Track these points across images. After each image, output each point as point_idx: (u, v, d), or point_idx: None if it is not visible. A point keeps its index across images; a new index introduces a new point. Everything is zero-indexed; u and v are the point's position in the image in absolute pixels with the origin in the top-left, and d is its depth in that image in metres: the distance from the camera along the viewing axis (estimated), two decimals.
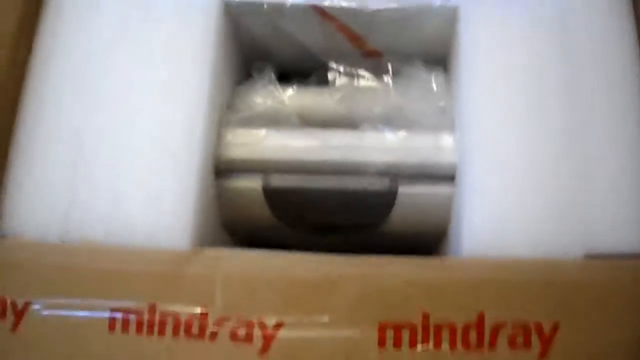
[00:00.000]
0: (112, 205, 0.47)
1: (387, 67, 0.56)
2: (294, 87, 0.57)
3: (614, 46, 0.52)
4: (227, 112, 0.55)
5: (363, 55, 0.59)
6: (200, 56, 0.51)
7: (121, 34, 0.52)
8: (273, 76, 0.57)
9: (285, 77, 0.60)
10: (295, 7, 0.54)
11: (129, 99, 0.50)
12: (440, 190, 0.54)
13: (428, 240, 0.60)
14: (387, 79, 0.56)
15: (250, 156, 0.53)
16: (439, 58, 0.60)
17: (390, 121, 0.55)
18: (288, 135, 0.53)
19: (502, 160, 0.48)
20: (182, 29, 0.52)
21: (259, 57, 0.60)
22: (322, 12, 0.54)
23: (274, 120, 0.55)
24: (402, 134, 0.53)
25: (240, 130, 0.54)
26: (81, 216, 0.47)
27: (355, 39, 0.57)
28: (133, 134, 0.49)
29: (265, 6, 0.54)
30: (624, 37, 0.53)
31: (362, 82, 0.56)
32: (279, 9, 0.54)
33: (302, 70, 0.60)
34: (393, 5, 0.53)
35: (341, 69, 0.56)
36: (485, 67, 0.51)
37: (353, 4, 0.53)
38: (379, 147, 0.53)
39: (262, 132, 0.53)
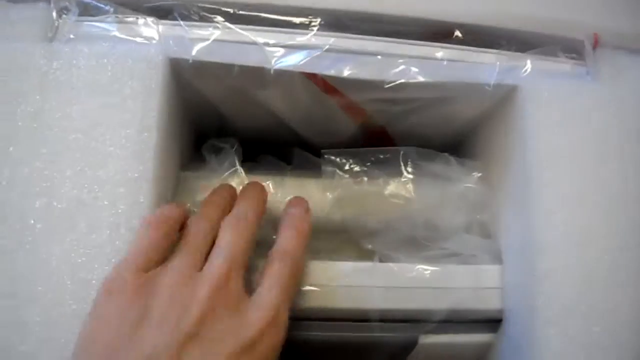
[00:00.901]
0: None
1: (400, 158, 0.39)
2: (269, 181, 0.39)
3: None
4: None
5: (367, 136, 0.42)
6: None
7: None
8: (236, 161, 0.39)
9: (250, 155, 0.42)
10: (282, 74, 0.35)
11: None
12: (474, 339, 0.38)
13: None
14: (406, 178, 0.38)
15: None
16: (456, 144, 0.44)
17: (408, 244, 0.38)
18: None
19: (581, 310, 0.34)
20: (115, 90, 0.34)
21: (215, 131, 0.42)
22: (323, 84, 0.36)
23: None
24: (428, 268, 0.37)
25: None
26: None
27: (360, 115, 0.39)
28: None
29: (236, 69, 0.35)
30: None
31: (368, 180, 0.39)
32: (258, 74, 0.35)
33: (275, 149, 0.43)
34: (431, 79, 0.36)
35: (338, 159, 0.38)
36: (559, 171, 0.36)
37: (373, 76, 0.35)
38: (396, 285, 0.36)
39: None
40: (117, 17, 0.36)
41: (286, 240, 0.33)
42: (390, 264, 0.37)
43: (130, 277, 0.29)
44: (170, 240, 0.31)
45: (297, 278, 0.33)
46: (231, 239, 0.31)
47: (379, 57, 0.36)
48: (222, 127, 0.43)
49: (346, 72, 0.35)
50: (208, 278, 0.29)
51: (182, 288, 0.29)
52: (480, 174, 0.40)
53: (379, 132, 0.42)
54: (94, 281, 0.31)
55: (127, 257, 0.30)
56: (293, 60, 0.35)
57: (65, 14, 0.35)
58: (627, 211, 0.36)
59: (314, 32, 0.36)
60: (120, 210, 0.32)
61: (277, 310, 0.30)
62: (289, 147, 0.43)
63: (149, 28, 0.35)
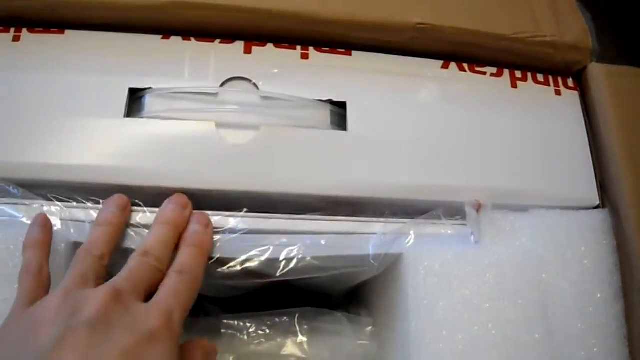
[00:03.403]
0: None
1: (295, 320, 0.41)
2: None
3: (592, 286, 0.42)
4: None
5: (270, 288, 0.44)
6: None
7: None
8: None
9: None
10: None
11: None
12: None
13: None
14: (300, 339, 0.41)
15: None
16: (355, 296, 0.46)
17: None
18: None
19: None
20: None
21: None
22: None
23: None
24: None
25: None
26: None
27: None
28: None
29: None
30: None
31: (265, 341, 0.41)
32: None
33: None
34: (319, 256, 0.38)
35: (237, 322, 0.41)
36: (438, 339, 0.38)
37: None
38: None
39: None
40: (24, 202, 0.38)
41: (184, 256, 0.35)
42: None
43: (17, 310, 0.31)
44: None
45: (193, 292, 0.34)
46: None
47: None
48: None
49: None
50: (100, 289, 0.30)
51: (74, 295, 0.30)
52: (372, 329, 0.43)
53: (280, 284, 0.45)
54: None
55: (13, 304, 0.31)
56: None
57: None
58: None
59: None
60: None
61: (171, 314, 0.31)
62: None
63: (52, 214, 0.38)
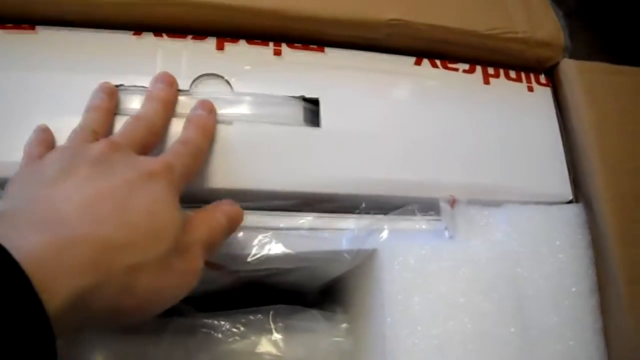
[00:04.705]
0: None
1: (270, 317, 0.41)
2: (146, 342, 0.41)
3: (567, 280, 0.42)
4: None
5: (244, 285, 0.44)
6: None
7: None
8: None
9: None
10: None
11: None
12: None
13: None
14: (275, 337, 0.40)
15: None
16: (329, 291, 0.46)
17: None
18: None
19: None
20: None
21: None
22: None
23: None
24: None
25: None
26: None
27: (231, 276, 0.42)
28: None
29: None
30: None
31: (240, 339, 0.41)
32: None
33: None
34: (292, 251, 0.38)
35: (211, 320, 0.40)
36: (414, 333, 0.38)
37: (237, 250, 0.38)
38: None
39: None
40: None
41: (188, 132, 0.36)
42: None
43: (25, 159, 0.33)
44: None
45: (196, 161, 0.35)
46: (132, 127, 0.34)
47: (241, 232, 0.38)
48: None
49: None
50: (100, 141, 0.32)
51: (77, 146, 0.32)
52: (347, 325, 0.43)
53: (254, 282, 0.44)
54: None
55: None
56: None
57: None
58: None
59: None
60: None
61: (171, 166, 0.31)
62: None
63: None
